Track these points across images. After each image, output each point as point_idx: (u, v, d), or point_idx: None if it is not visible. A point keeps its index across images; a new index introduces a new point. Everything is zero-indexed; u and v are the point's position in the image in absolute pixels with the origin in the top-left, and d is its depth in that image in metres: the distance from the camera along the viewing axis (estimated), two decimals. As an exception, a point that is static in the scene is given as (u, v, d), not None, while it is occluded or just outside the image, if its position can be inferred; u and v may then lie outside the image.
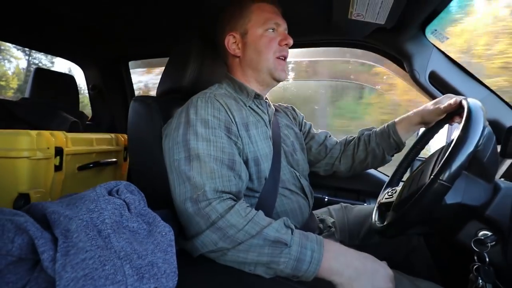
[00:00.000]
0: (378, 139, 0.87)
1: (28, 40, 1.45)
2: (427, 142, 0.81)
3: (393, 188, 0.78)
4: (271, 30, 0.76)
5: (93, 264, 0.37)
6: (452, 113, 0.73)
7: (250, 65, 0.78)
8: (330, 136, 0.98)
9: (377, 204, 0.75)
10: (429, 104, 0.79)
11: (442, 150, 0.66)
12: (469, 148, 0.49)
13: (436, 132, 0.79)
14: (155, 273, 0.42)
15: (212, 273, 0.52)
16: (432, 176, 0.50)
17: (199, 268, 0.53)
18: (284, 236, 0.52)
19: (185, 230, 0.59)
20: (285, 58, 0.78)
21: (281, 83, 0.84)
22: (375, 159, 0.88)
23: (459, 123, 0.73)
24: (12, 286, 0.37)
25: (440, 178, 0.48)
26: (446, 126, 0.80)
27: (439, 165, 0.50)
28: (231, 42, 0.78)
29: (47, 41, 1.45)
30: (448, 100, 0.72)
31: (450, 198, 0.50)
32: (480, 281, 0.54)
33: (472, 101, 0.59)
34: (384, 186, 0.82)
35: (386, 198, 0.73)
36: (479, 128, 0.52)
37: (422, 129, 0.85)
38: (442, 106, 0.73)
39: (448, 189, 0.48)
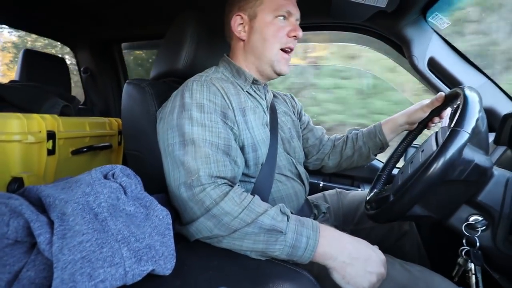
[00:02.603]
0: (365, 138, 0.92)
1: (18, 21, 1.39)
2: (408, 145, 0.85)
3: (382, 187, 0.80)
4: (281, 18, 0.72)
5: (90, 247, 0.37)
6: (433, 113, 0.79)
7: (253, 52, 0.74)
8: (324, 133, 1.01)
9: (367, 199, 0.76)
10: (413, 105, 0.85)
11: (439, 131, 0.66)
12: (477, 105, 0.53)
13: (416, 136, 0.84)
14: (153, 256, 0.43)
15: (210, 256, 0.52)
16: (452, 127, 0.51)
17: (197, 251, 0.54)
18: (279, 224, 0.52)
19: (180, 216, 0.59)
20: (291, 50, 0.74)
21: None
22: (361, 157, 0.93)
23: (438, 122, 0.80)
24: (10, 268, 0.37)
25: (460, 127, 0.50)
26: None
27: (455, 119, 0.52)
28: (238, 23, 0.74)
29: (37, 22, 1.39)
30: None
31: (467, 154, 0.51)
32: (469, 264, 0.56)
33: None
34: (370, 188, 0.84)
35: (376, 194, 0.74)
36: (477, 95, 0.56)
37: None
38: (427, 102, 0.80)
39: (468, 138, 0.50)
